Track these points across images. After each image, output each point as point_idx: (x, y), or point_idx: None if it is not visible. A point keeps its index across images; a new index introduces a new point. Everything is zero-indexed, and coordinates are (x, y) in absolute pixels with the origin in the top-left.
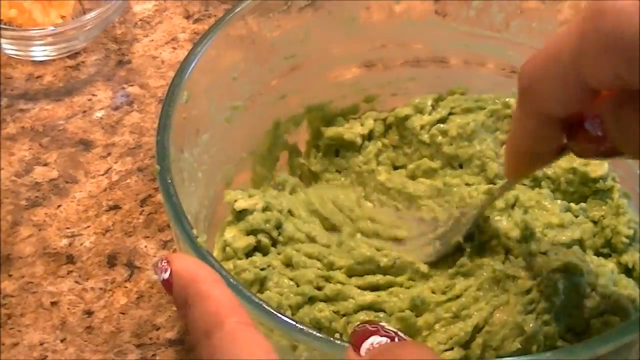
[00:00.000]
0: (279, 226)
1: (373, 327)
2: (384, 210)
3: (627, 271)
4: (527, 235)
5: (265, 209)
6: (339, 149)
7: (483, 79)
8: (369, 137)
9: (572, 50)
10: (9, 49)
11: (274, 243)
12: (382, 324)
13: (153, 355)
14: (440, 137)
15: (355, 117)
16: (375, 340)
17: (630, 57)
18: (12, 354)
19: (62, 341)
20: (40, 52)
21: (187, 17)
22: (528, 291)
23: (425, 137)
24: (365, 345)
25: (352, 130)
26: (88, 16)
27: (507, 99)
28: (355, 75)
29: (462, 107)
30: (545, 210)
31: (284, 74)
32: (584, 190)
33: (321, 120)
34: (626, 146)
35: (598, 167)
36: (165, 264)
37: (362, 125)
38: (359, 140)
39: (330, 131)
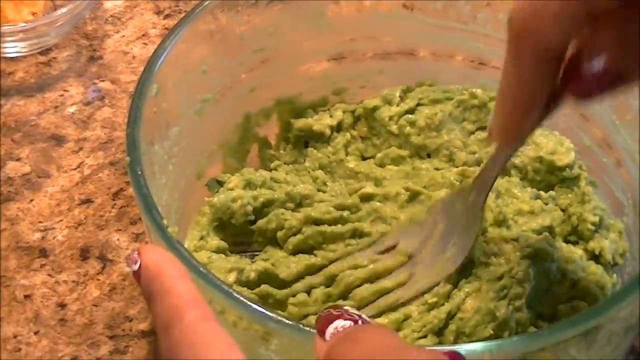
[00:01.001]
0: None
1: (337, 312)
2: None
3: (595, 258)
4: (500, 220)
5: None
6: (308, 140)
7: (451, 71)
8: (338, 128)
9: None
10: None
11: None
12: (347, 308)
13: (126, 346)
14: (408, 128)
15: (324, 110)
16: (339, 324)
17: None
18: None
19: (35, 334)
20: (11, 49)
21: (158, 12)
22: (500, 277)
23: (394, 127)
24: (330, 329)
25: (321, 122)
26: (59, 12)
27: (473, 90)
28: (324, 68)
29: (430, 98)
30: (516, 197)
31: (253, 68)
32: (550, 179)
33: (290, 113)
34: (635, 64)
35: (565, 156)
36: (136, 255)
37: (331, 116)
38: (328, 131)
39: (299, 123)
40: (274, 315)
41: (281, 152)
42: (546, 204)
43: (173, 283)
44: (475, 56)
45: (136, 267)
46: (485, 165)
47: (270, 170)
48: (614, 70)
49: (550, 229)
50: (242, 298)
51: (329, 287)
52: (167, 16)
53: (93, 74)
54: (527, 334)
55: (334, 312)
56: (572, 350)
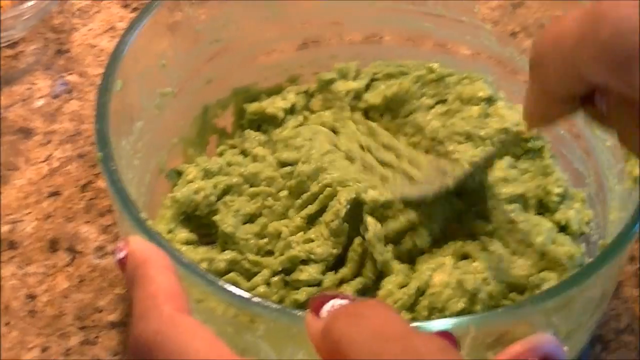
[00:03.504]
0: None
1: (331, 294)
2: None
3: (561, 229)
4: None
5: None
6: (262, 124)
7: (412, 57)
8: (291, 110)
9: (571, 45)
10: None
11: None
12: (341, 291)
13: (96, 337)
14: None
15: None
16: (336, 302)
17: (624, 71)
18: None
19: (5, 325)
20: None
21: (125, 6)
22: (464, 252)
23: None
24: (326, 307)
25: (274, 105)
26: (26, 5)
27: (430, 64)
28: (279, 56)
29: (384, 72)
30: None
31: (210, 59)
32: (516, 150)
33: (246, 101)
34: (625, 140)
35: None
36: (123, 244)
37: (283, 99)
38: (281, 114)
39: (252, 107)
40: (259, 300)
41: (236, 139)
42: (522, 174)
43: (156, 273)
44: (437, 41)
45: (122, 255)
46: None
47: (220, 155)
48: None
49: (522, 197)
50: (226, 286)
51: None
52: (134, 9)
53: (60, 67)
54: (512, 306)
55: (328, 293)
56: (554, 319)
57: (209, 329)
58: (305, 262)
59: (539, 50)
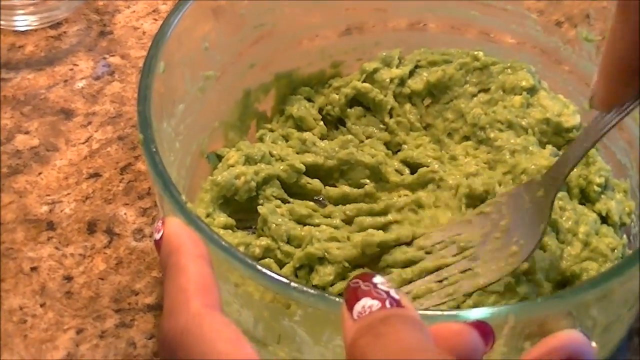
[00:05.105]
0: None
1: (366, 286)
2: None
3: (602, 219)
4: (515, 177)
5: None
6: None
7: (455, 45)
8: (324, 120)
9: None
10: None
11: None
12: (375, 280)
13: (131, 320)
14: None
15: (320, 89)
16: (367, 303)
17: None
18: None
19: (41, 306)
20: (22, 22)
21: None
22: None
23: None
24: (357, 308)
25: (310, 113)
26: None
27: (475, 52)
28: (322, 42)
29: (427, 60)
30: (532, 154)
31: (253, 43)
32: (557, 141)
33: (288, 87)
34: None
35: (571, 118)
36: (161, 224)
37: (318, 109)
38: (313, 123)
39: (289, 110)
40: (297, 285)
41: (274, 124)
42: None
43: (189, 263)
44: (481, 29)
45: (158, 236)
46: (563, 155)
47: (260, 139)
48: None
49: (567, 185)
50: (265, 270)
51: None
52: None
53: (103, 49)
54: (551, 296)
55: (363, 286)
56: (593, 310)
57: (236, 329)
58: (322, 260)
59: None
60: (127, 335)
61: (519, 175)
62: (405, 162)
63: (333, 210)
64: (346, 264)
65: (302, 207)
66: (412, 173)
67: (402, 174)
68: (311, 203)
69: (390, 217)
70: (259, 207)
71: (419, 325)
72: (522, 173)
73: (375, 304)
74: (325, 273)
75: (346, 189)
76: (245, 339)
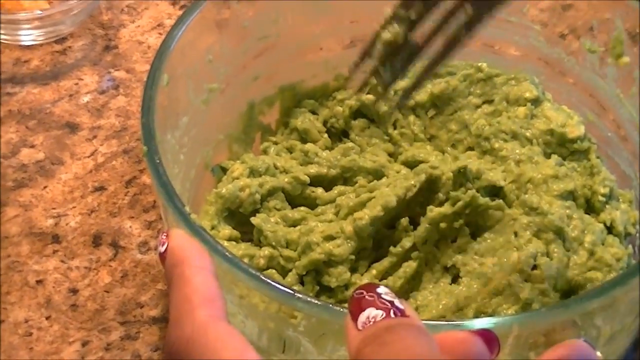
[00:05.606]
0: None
1: (370, 296)
2: None
3: (607, 229)
4: (520, 186)
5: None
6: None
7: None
8: (328, 132)
9: None
10: None
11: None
12: (380, 290)
13: (137, 332)
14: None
15: (325, 101)
16: (371, 313)
17: None
18: None
19: (47, 319)
20: (27, 37)
21: (173, 3)
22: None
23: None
24: (362, 318)
25: (315, 125)
26: (74, 0)
27: (479, 64)
28: (327, 54)
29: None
30: (537, 164)
31: (257, 56)
32: (561, 151)
33: (292, 100)
34: None
35: (575, 128)
36: (165, 237)
37: (322, 122)
38: (318, 136)
39: (293, 123)
40: (302, 295)
41: (278, 136)
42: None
43: (193, 274)
44: (485, 41)
45: (163, 249)
46: None
47: (264, 152)
48: None
49: (572, 194)
50: (269, 280)
51: None
52: (182, 7)
53: (108, 63)
54: (556, 305)
55: (367, 297)
56: (598, 320)
57: (242, 337)
58: (329, 263)
59: None
60: (133, 348)
61: (525, 184)
62: (406, 164)
63: (324, 209)
64: (353, 257)
65: (294, 212)
66: None
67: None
68: (303, 208)
69: (360, 182)
70: (252, 219)
71: (424, 334)
72: (528, 182)
73: (380, 313)
74: (339, 273)
75: (340, 188)
76: (251, 347)
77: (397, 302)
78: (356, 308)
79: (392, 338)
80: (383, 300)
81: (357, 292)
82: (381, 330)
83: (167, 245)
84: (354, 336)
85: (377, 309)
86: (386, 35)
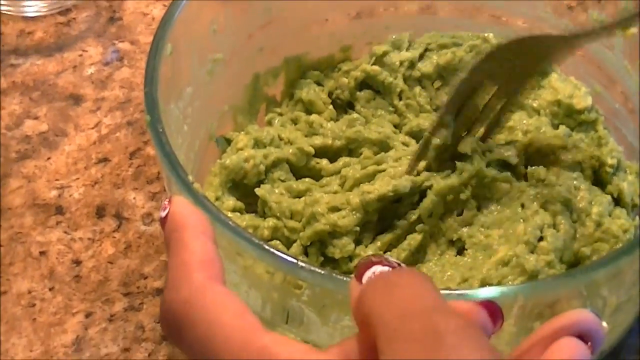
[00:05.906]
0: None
1: (376, 259)
2: None
3: (614, 200)
4: (529, 157)
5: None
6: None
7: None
8: (333, 104)
9: None
10: (1, 4)
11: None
12: (387, 256)
13: (140, 303)
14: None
15: (330, 73)
16: (377, 269)
17: None
18: (0, 302)
19: (50, 290)
20: (31, 8)
21: None
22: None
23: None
24: (367, 274)
25: (320, 97)
26: None
27: (485, 34)
28: (332, 26)
29: (437, 43)
30: (545, 134)
31: (262, 27)
32: (569, 122)
33: (297, 71)
34: None
35: (582, 99)
36: (167, 203)
37: (327, 93)
38: (323, 107)
39: (298, 94)
40: (306, 265)
41: (283, 107)
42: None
43: (192, 239)
44: (492, 13)
45: (164, 213)
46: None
47: (269, 123)
48: None
49: (580, 165)
50: (274, 250)
51: None
52: None
53: (112, 35)
54: (561, 275)
55: (374, 259)
56: (604, 290)
57: (239, 300)
58: (333, 234)
59: None
60: (136, 319)
61: (533, 154)
62: (411, 134)
63: (329, 180)
64: (357, 228)
65: (299, 183)
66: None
67: (408, 146)
68: (308, 179)
69: (365, 153)
70: (256, 190)
71: (431, 283)
72: (536, 152)
73: (387, 269)
74: (343, 245)
75: (345, 159)
76: (249, 310)
77: (403, 265)
78: (362, 269)
79: (401, 280)
80: (390, 261)
81: (363, 258)
82: (388, 273)
83: (168, 210)
84: (356, 290)
85: (383, 265)
86: (435, 141)
